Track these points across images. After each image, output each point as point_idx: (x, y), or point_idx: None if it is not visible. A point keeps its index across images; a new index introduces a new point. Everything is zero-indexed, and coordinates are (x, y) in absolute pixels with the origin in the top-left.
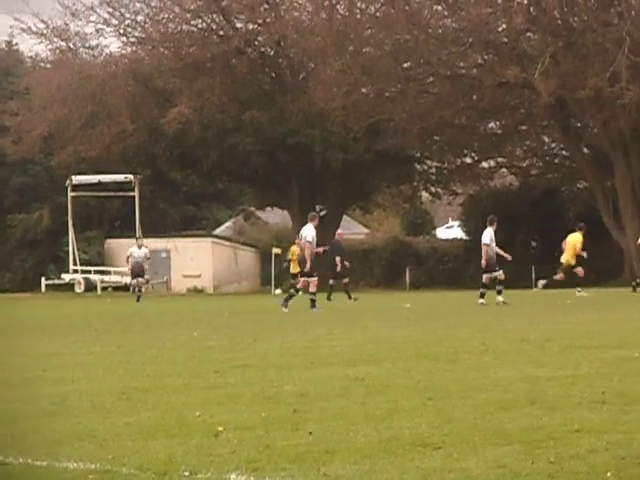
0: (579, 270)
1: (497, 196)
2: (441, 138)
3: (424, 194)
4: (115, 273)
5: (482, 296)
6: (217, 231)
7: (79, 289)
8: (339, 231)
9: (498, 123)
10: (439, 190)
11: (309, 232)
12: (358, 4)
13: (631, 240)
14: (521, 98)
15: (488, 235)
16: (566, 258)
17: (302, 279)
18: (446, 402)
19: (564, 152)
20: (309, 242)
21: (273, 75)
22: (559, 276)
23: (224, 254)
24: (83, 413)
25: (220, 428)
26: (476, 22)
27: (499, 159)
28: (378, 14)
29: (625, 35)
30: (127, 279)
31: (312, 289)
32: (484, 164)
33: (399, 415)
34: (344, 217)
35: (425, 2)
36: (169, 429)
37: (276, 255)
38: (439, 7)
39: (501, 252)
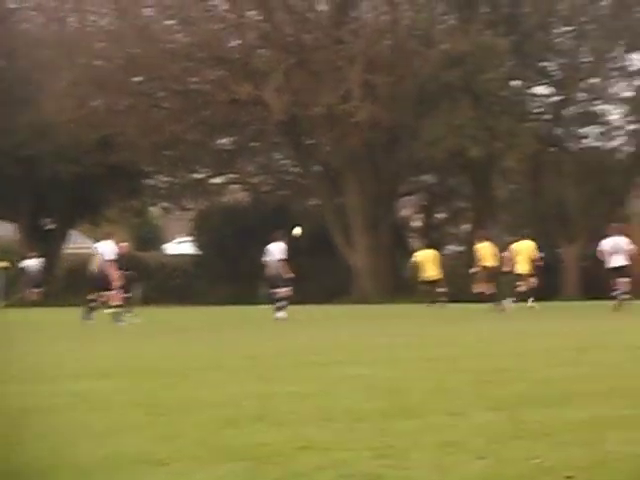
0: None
1: (228, 212)
2: (173, 153)
3: (156, 208)
4: None
5: (280, 309)
6: None
7: None
8: (123, 244)
9: (230, 139)
10: (170, 205)
11: (109, 250)
12: (89, 17)
13: (360, 257)
14: (253, 115)
15: (283, 249)
16: (523, 268)
17: (106, 294)
18: (173, 418)
19: (296, 169)
20: (110, 260)
21: (2, 86)
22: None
23: None
24: None
25: None
26: (208, 37)
27: (231, 175)
28: (112, 27)
29: (358, 53)
30: None
31: (115, 302)
32: (216, 180)
33: (123, 431)
34: (73, 231)
35: (156, 16)
36: None
37: (3, 268)
38: (170, 22)
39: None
